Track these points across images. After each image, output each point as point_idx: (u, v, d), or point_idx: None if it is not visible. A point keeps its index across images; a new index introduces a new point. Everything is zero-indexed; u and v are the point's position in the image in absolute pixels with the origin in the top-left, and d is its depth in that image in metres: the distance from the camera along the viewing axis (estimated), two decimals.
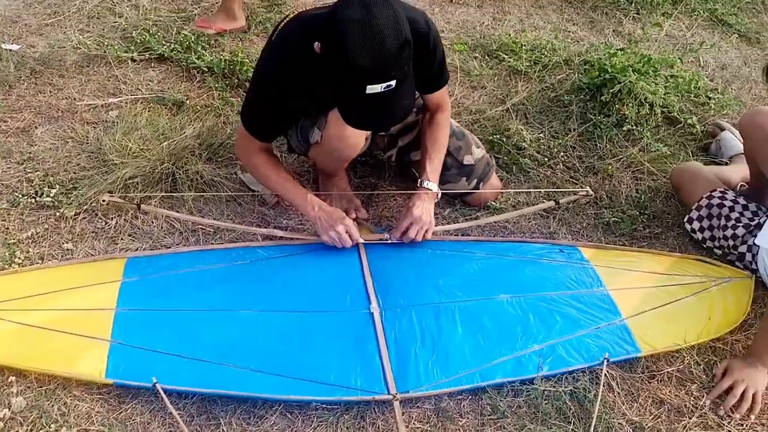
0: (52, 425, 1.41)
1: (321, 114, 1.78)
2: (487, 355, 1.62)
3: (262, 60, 1.78)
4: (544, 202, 2.10)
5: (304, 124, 1.84)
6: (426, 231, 1.84)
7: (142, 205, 1.85)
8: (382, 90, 1.51)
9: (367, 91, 1.50)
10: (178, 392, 1.48)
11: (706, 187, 2.04)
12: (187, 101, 2.32)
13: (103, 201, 1.78)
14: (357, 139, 1.71)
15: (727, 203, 1.96)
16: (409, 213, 1.83)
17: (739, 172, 2.17)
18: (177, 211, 1.91)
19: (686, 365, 1.68)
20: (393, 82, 1.51)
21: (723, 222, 1.94)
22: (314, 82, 1.64)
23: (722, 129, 2.41)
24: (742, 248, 1.90)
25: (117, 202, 1.83)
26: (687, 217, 2.04)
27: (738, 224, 1.91)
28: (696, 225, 2.01)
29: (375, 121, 1.63)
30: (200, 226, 1.91)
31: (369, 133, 1.83)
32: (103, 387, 1.49)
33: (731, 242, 1.92)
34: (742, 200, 1.97)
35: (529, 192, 2.17)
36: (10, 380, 1.47)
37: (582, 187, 2.16)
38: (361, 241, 1.84)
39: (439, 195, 1.91)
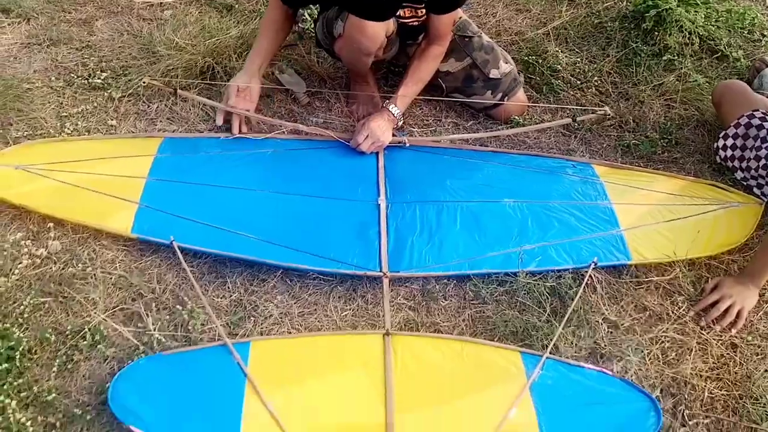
0: (80, 265, 1.61)
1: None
2: (479, 250, 1.72)
3: None
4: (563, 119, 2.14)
5: (329, 16, 1.94)
6: (378, 147, 1.94)
7: (179, 90, 2.01)
8: None
9: None
10: (192, 251, 1.65)
11: (751, 106, 2.02)
12: (236, 5, 2.44)
13: (143, 83, 1.95)
14: (375, 30, 1.80)
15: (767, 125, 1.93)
16: (366, 126, 1.93)
17: None
18: (209, 98, 2.06)
19: (676, 278, 1.72)
20: None
21: (758, 143, 1.91)
22: None
23: (767, 65, 2.35)
24: None
25: (156, 85, 2.00)
26: (723, 133, 2.01)
27: None
28: (729, 142, 1.99)
29: (370, 6, 1.74)
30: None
31: (388, 27, 1.89)
32: (128, 241, 1.67)
33: (761, 162, 1.90)
34: None
35: (551, 108, 2.21)
36: (48, 226, 1.66)
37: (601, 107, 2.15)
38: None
39: (400, 123, 2.01)
